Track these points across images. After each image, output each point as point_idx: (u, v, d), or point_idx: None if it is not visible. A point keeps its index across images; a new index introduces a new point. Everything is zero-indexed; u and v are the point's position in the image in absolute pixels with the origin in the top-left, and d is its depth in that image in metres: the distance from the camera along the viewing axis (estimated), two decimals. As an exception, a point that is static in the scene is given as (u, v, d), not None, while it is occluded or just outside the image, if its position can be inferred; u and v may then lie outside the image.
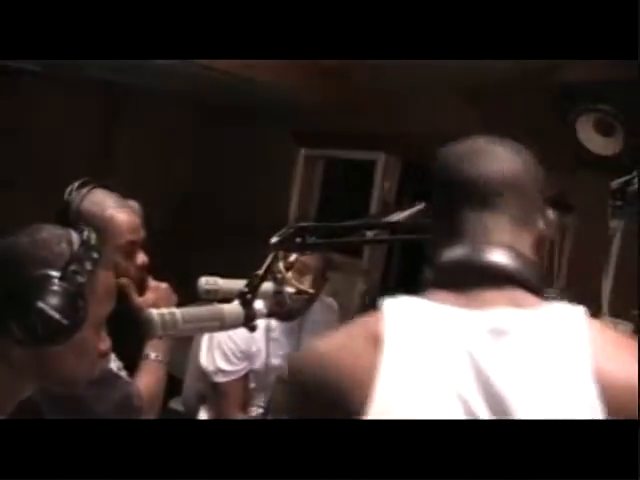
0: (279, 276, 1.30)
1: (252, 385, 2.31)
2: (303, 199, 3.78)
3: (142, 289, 1.62)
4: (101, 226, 1.48)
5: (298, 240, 1.25)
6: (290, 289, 1.35)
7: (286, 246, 1.24)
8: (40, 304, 0.97)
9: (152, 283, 1.62)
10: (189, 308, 1.16)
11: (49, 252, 1.01)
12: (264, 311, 1.24)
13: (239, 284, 1.68)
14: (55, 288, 0.98)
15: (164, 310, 1.11)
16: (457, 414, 0.77)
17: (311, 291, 2.12)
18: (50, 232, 1.05)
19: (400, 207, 1.36)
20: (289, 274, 1.36)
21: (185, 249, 3.72)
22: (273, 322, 2.24)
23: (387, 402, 0.76)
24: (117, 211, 1.58)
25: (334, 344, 0.83)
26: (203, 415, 2.34)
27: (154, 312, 1.10)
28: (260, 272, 1.23)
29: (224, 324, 1.17)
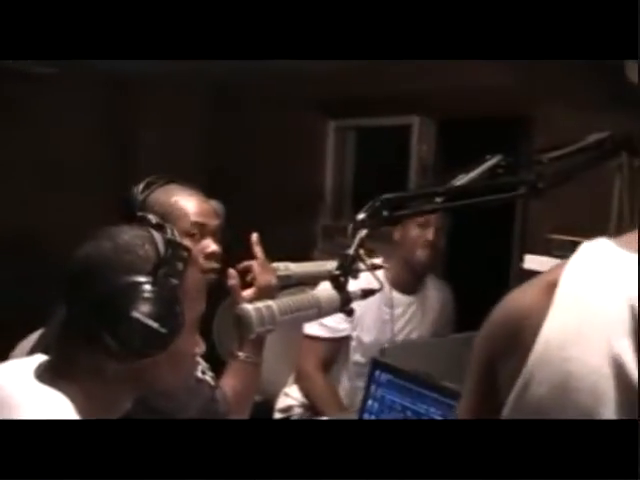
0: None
1: (356, 357, 2.22)
2: (337, 172, 3.68)
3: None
4: (165, 212, 1.38)
5: (385, 213, 1.16)
6: (362, 265, 1.27)
7: (374, 221, 1.15)
8: (135, 314, 0.90)
9: (261, 278, 1.45)
10: (283, 298, 1.08)
11: (134, 256, 0.94)
12: (359, 293, 1.15)
13: (311, 267, 1.60)
14: (148, 295, 0.91)
15: (259, 304, 1.03)
16: (606, 363, 0.73)
17: (386, 266, 2.05)
18: (130, 234, 0.97)
19: (444, 170, 1.28)
20: (361, 250, 1.29)
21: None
22: (396, 296, 2.20)
23: (548, 347, 0.77)
24: (184, 197, 1.45)
25: (523, 292, 0.85)
26: (282, 402, 2.26)
27: (249, 307, 1.02)
28: (351, 252, 1.14)
29: (321, 311, 1.09)
